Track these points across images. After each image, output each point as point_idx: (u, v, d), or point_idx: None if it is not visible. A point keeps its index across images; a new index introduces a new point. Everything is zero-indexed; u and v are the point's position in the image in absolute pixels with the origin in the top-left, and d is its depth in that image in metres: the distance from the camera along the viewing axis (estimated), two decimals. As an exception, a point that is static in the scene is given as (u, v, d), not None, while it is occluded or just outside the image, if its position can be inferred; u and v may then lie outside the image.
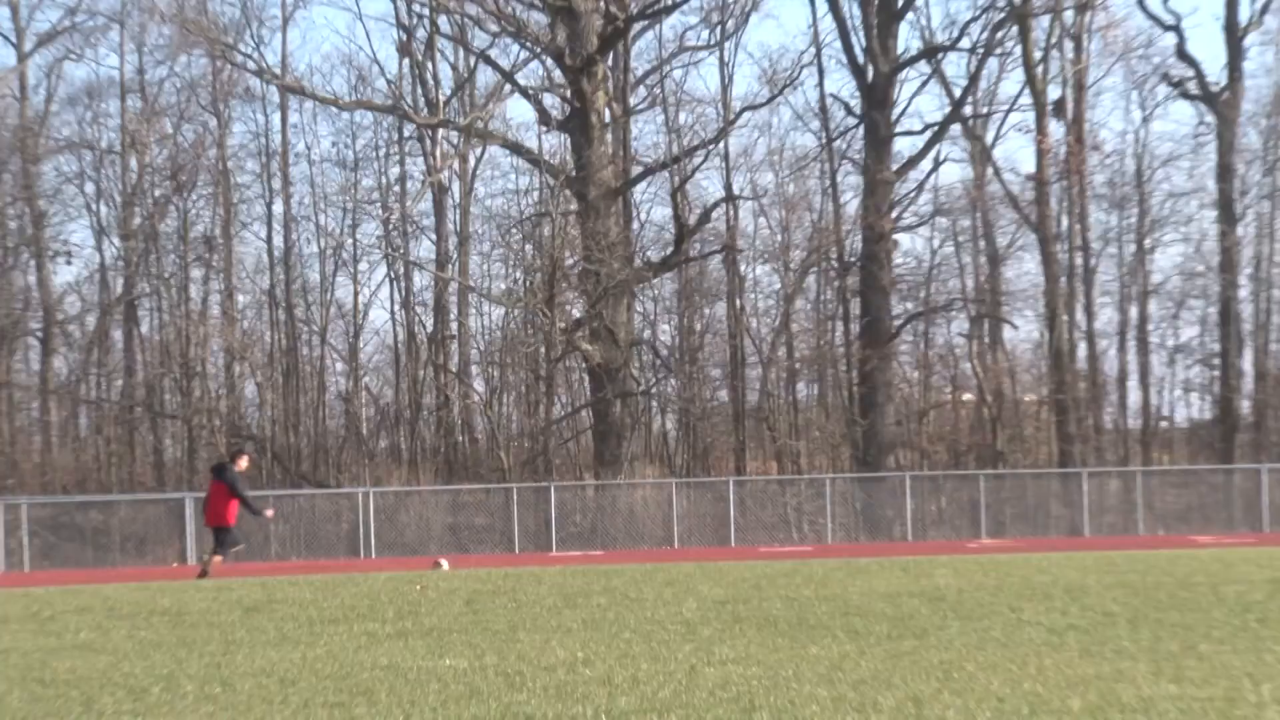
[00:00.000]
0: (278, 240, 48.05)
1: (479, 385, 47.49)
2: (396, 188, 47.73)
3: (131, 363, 47.92)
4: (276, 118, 47.77)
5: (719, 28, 47.30)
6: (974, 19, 45.36)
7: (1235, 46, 45.50)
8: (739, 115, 46.27)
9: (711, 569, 28.00)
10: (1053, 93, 45.69)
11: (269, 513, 30.08)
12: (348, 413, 47.37)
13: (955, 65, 44.85)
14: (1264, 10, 45.73)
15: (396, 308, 48.05)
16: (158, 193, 46.82)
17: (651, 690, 12.06)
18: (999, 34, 45.23)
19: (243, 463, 30.07)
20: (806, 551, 34.21)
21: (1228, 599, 19.68)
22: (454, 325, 47.18)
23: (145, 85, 47.17)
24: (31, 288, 47.32)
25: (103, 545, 36.00)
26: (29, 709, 11.73)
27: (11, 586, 28.34)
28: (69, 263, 49.51)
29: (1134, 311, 47.90)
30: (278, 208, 47.88)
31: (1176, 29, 46.64)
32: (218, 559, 29.30)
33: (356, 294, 48.34)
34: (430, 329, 46.80)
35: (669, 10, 45.11)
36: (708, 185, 46.49)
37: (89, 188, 47.46)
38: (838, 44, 44.94)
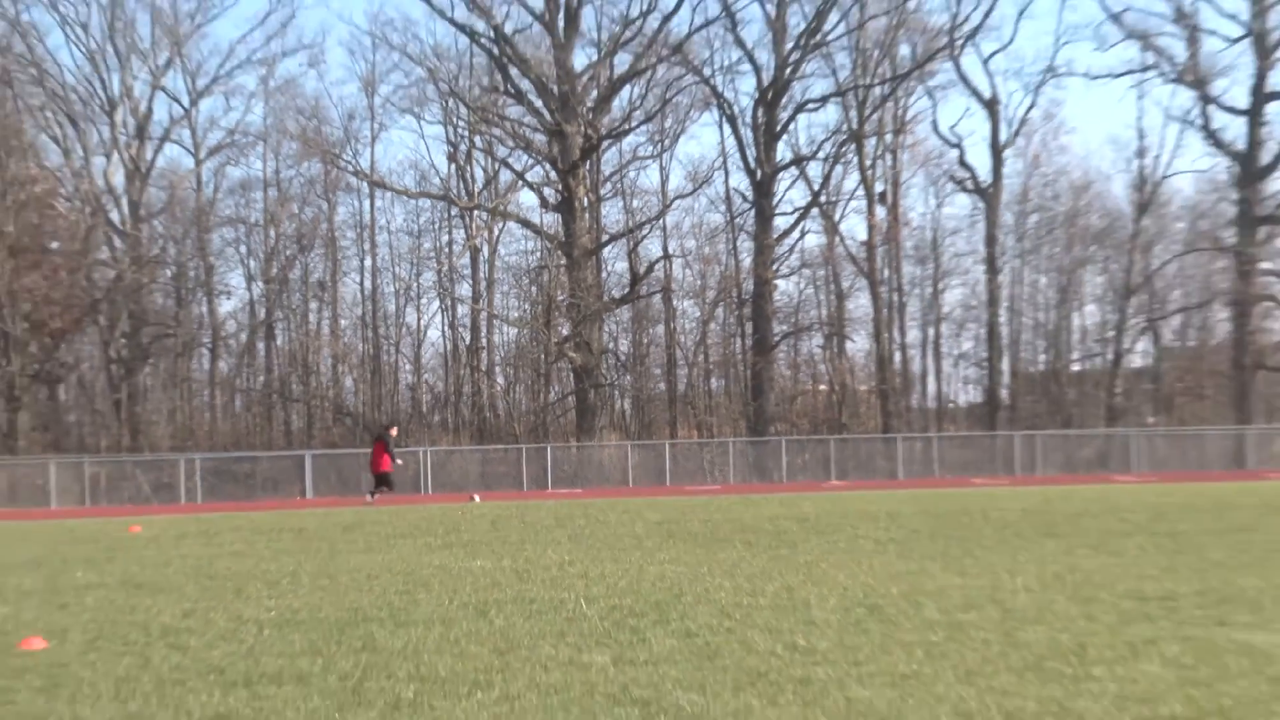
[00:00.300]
0: (367, 283, 46.16)
1: (500, 379, 45.79)
2: (446, 249, 46.05)
3: (270, 364, 46.10)
4: (367, 202, 45.89)
5: (660, 144, 45.67)
6: (826, 139, 43.66)
7: (997, 158, 43.53)
8: (672, 202, 44.74)
9: (653, 502, 26.98)
10: (878, 187, 43.51)
11: (400, 463, 28.81)
12: (413, 398, 45.59)
13: (815, 169, 43.77)
14: (1016, 134, 43.89)
15: (446, 328, 46.19)
16: (288, 252, 44.99)
17: (613, 581, 11.67)
18: (843, 149, 43.33)
19: (394, 431, 29.26)
20: (716, 490, 32.94)
21: (993, 520, 18.96)
22: (484, 339, 45.46)
23: (280, 180, 45.42)
24: (204, 315, 45.34)
25: (250, 486, 34.67)
26: (200, 594, 11.60)
27: (189, 514, 27.73)
28: (229, 298, 47.81)
29: (931, 331, 45.69)
30: (368, 262, 46.12)
31: (959, 146, 45.10)
32: (374, 496, 28.21)
33: (419, 319, 46.57)
34: (468, 342, 45.02)
35: (626, 134, 43.49)
36: (652, 247, 45.44)
37: (242, 249, 45.69)
38: (738, 155, 43.07)
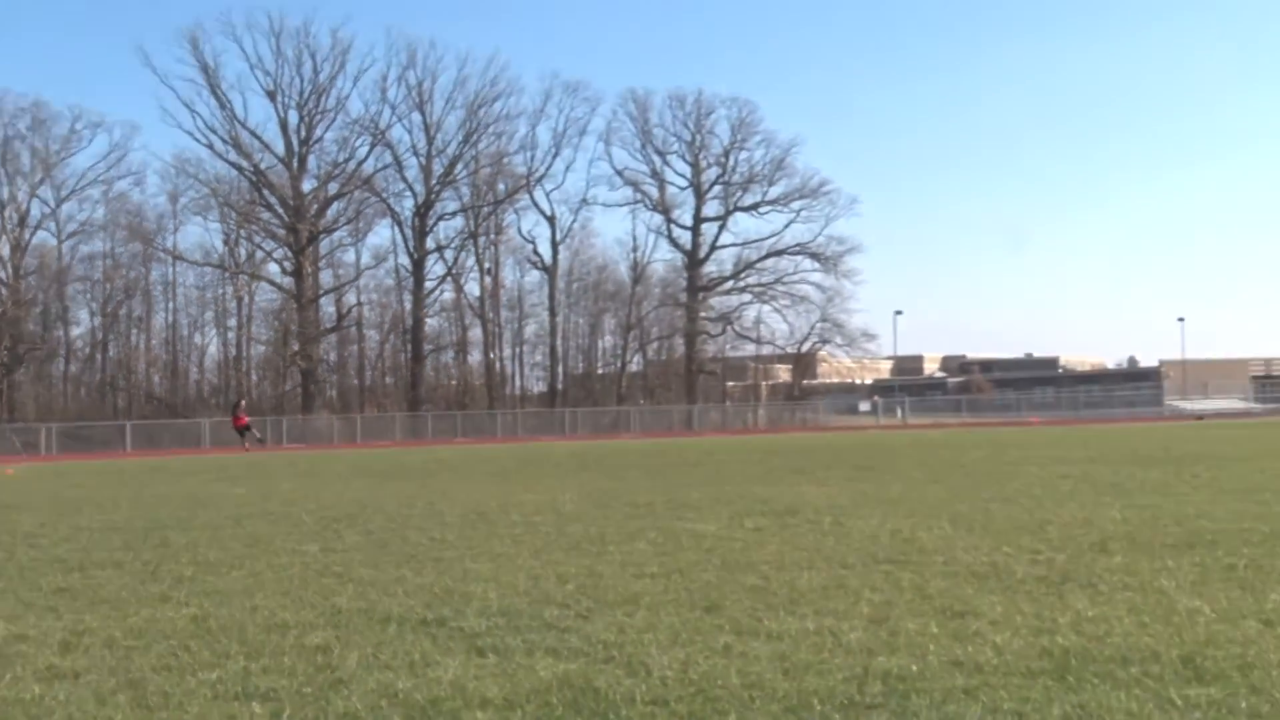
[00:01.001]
0: (170, 318, 70.97)
1: (254, 377, 73.05)
2: (221, 297, 72.47)
3: (104, 366, 67.72)
4: (170, 268, 67.30)
5: (355, 236, 70.85)
6: (456, 236, 71.95)
7: (555, 249, 71.00)
8: (362, 273, 71.15)
9: (352, 452, 37.59)
10: (486, 265, 73.65)
11: (248, 420, 44.80)
12: (198, 390, 71.35)
13: (450, 254, 71.60)
14: (565, 236, 74.33)
15: (221, 345, 72.67)
16: (117, 298, 68.86)
17: (323, 501, 14.72)
18: (466, 242, 72.07)
19: (243, 403, 44.13)
20: (390, 444, 46.03)
21: (553, 461, 25.07)
22: (245, 353, 72.34)
23: (114, 253, 67.23)
24: (61, 336, 66.89)
25: (89, 444, 47.94)
26: (51, 512, 15.93)
27: (47, 463, 34.63)
28: (77, 326, 72.66)
29: (518, 349, 71.40)
30: (170, 304, 71.69)
31: (533, 242, 71.80)
32: (246, 444, 38.88)
33: (203, 339, 72.59)
34: (234, 354, 71.26)
35: (335, 230, 71.69)
36: (350, 299, 72.56)
37: (88, 295, 67.18)
38: (403, 245, 70.09)
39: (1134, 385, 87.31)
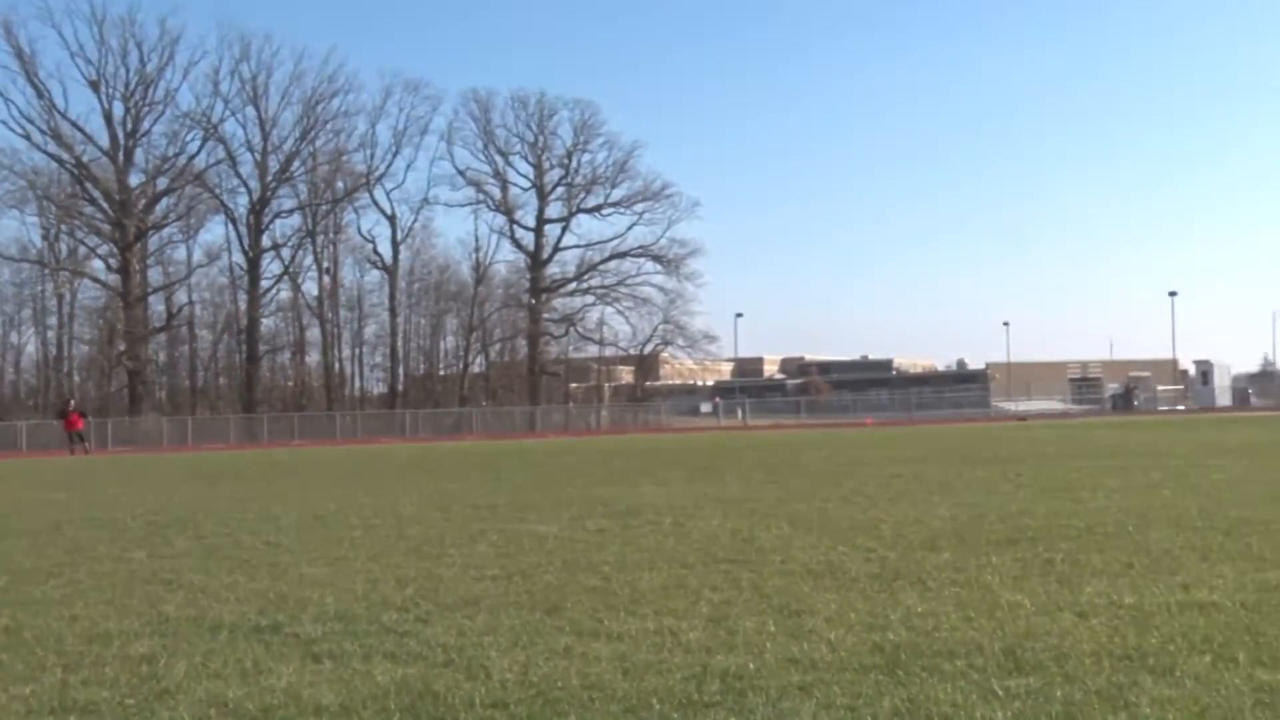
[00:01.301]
0: None
1: (76, 378, 70.74)
2: (40, 295, 69.63)
3: None
4: None
5: (187, 233, 69.78)
6: (294, 234, 71.42)
7: (396, 249, 72.17)
8: (194, 270, 69.95)
9: (182, 455, 38.60)
10: (325, 264, 72.67)
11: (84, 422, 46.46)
12: (14, 391, 69.57)
13: (287, 253, 70.16)
14: (406, 236, 73.25)
15: (40, 345, 69.94)
16: None
17: (150, 505, 15.18)
18: (304, 240, 71.81)
19: (71, 404, 45.86)
20: (222, 447, 45.95)
21: (394, 463, 26.39)
22: (66, 353, 69.88)
23: None
24: None
25: None
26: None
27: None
28: None
29: (359, 350, 71.70)
30: None
31: (373, 242, 72.83)
32: (83, 447, 39.47)
33: (19, 338, 69.82)
34: (55, 353, 68.83)
35: (165, 226, 69.89)
36: (181, 297, 70.57)
37: None
38: (238, 243, 70.09)
39: (963, 387, 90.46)
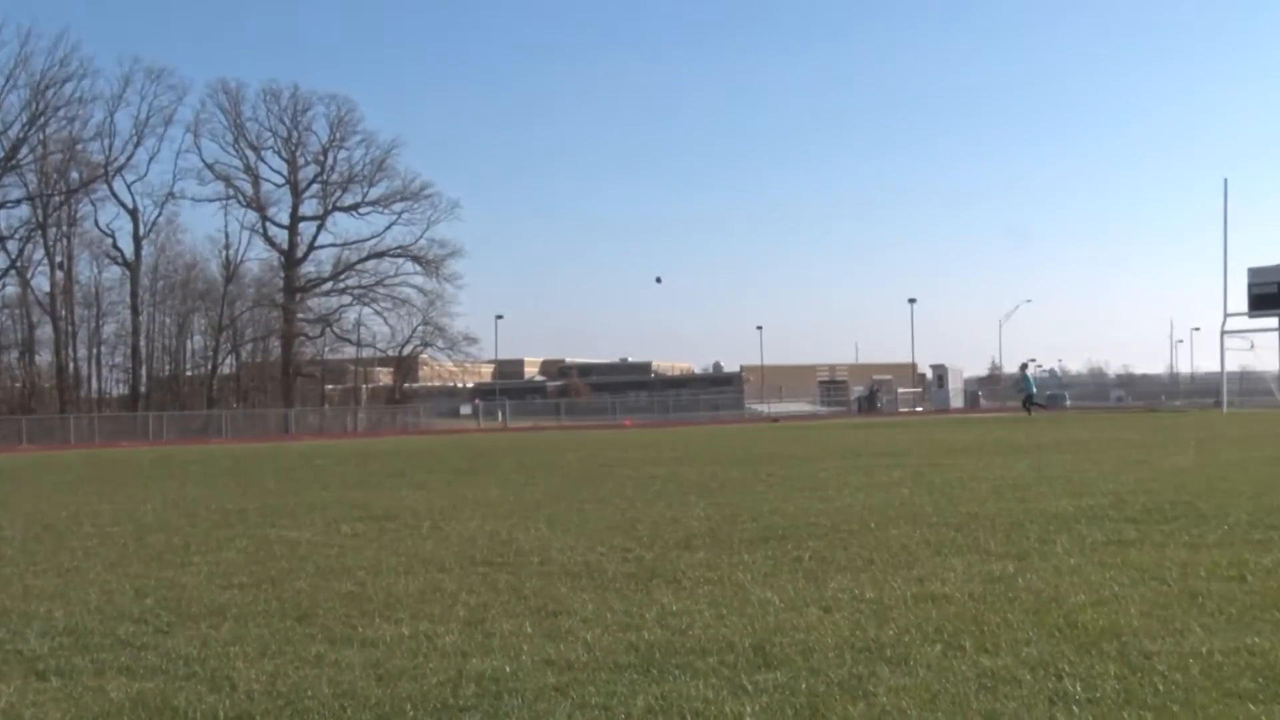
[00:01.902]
0: None
1: None
2: None
3: None
4: None
5: None
6: (20, 227, 67.20)
7: (138, 244, 67.74)
8: None
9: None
10: (58, 259, 68.41)
11: None
12: None
13: (14, 245, 65.51)
14: (149, 230, 70.41)
15: None
16: None
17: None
18: (33, 234, 67.46)
19: None
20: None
21: (136, 468, 25.88)
22: None
23: None
24: None
25: None
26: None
27: None
28: None
29: (96, 350, 67.64)
30: None
31: (113, 236, 68.35)
32: None
33: None
34: None
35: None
36: None
37: None
38: None
39: (718, 389, 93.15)
